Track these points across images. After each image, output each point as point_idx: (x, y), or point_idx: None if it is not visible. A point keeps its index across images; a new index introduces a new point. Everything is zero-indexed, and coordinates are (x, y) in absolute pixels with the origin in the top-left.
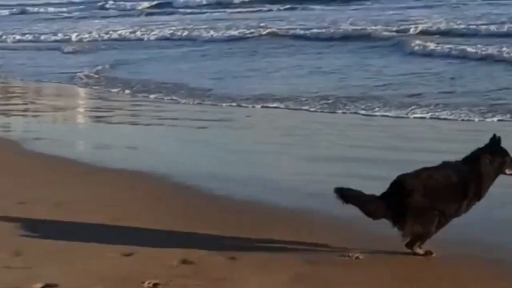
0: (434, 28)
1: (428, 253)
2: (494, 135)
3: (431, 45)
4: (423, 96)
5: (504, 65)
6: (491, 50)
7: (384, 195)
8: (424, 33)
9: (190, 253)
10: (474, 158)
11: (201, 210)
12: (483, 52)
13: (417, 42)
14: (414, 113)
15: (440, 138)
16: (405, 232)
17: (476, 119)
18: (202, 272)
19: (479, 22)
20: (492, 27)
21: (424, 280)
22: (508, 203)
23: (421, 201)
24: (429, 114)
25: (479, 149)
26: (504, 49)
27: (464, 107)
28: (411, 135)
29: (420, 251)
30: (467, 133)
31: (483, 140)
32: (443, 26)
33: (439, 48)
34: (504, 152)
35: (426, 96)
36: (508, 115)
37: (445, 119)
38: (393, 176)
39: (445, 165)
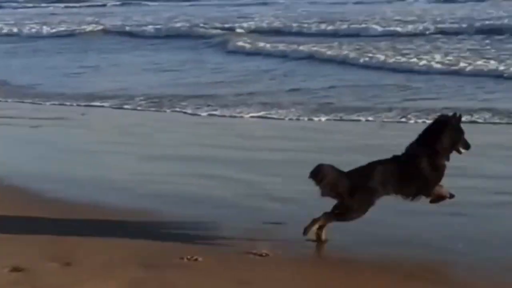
0: (266, 26)
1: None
2: (455, 113)
3: (262, 44)
4: (253, 95)
5: (331, 64)
6: (320, 48)
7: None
8: (255, 31)
9: (21, 259)
10: (434, 128)
11: (33, 213)
12: (312, 51)
13: (248, 40)
14: (243, 112)
15: (273, 136)
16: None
17: (305, 118)
18: (34, 279)
19: (310, 20)
20: (323, 26)
21: (267, 283)
22: None
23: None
24: (261, 113)
25: (443, 121)
26: (332, 48)
27: (293, 105)
28: (243, 133)
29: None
30: (297, 131)
31: (314, 138)
32: (275, 24)
33: (269, 46)
34: (462, 130)
35: (256, 95)
36: (333, 115)
37: (272, 118)
38: (231, 174)
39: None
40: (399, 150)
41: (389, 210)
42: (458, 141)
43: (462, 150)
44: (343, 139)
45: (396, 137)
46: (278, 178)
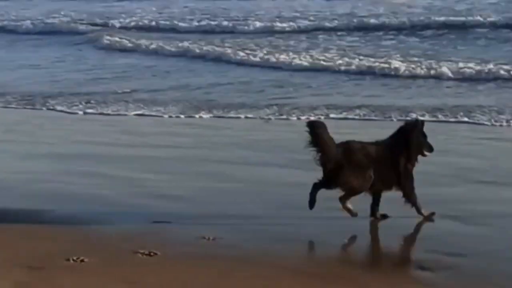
0: (146, 22)
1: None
2: (417, 119)
3: (140, 40)
4: (132, 92)
5: (211, 61)
6: (200, 45)
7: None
8: (135, 27)
9: None
10: (404, 132)
11: None
12: (192, 47)
13: (127, 37)
14: (123, 109)
15: (155, 133)
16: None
17: (187, 115)
18: None
19: (191, 16)
20: (204, 22)
21: (156, 282)
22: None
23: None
24: (142, 110)
25: (410, 125)
26: (213, 44)
27: (174, 103)
28: (125, 131)
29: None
30: (179, 129)
31: (197, 135)
32: (155, 20)
33: (147, 42)
34: (425, 135)
35: (136, 92)
36: (214, 111)
37: (152, 115)
38: (116, 172)
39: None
40: (284, 145)
41: (275, 206)
42: (423, 145)
43: (427, 153)
44: (226, 135)
45: (280, 133)
46: (164, 175)
